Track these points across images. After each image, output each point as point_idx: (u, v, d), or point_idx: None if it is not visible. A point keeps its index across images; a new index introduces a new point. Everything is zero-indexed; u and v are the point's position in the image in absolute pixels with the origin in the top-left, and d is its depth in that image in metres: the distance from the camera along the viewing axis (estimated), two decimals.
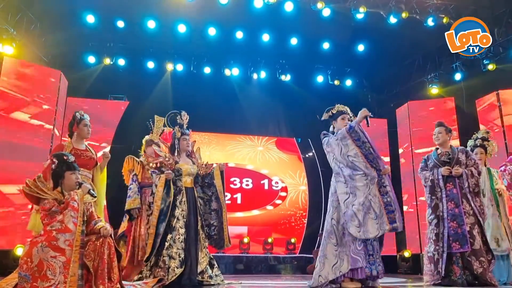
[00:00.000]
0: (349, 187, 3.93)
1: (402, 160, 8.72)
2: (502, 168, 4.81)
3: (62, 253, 2.78)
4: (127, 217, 4.59)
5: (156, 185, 4.23)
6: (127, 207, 4.49)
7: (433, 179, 4.32)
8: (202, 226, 4.30)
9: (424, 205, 7.77)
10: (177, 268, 3.95)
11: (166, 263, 3.95)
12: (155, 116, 5.10)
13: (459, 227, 4.07)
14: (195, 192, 4.39)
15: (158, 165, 4.34)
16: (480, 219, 4.12)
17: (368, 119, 4.13)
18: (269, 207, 9.41)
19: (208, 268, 4.25)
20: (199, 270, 4.12)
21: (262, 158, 9.77)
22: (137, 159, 4.81)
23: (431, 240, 4.20)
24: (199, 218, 4.29)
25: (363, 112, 4.03)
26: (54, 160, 3.21)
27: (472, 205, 4.14)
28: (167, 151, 4.48)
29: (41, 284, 2.69)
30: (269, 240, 8.69)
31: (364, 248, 3.84)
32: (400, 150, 8.81)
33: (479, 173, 4.30)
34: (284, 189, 9.62)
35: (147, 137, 4.99)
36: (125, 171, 4.82)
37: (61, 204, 3.03)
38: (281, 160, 9.88)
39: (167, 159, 4.31)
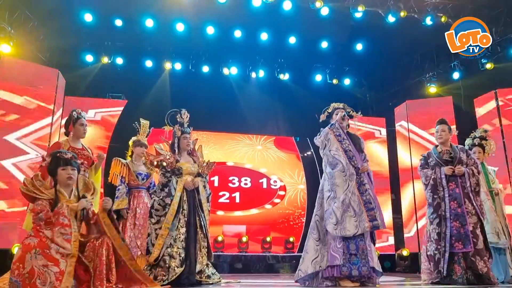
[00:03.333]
0: (330, 184, 4.04)
1: (400, 159, 8.72)
2: None
3: (55, 264, 2.71)
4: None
5: (163, 184, 4.19)
6: (115, 207, 4.50)
7: (435, 178, 4.28)
8: (201, 226, 4.25)
9: (422, 204, 7.81)
10: (177, 267, 3.92)
11: (167, 262, 3.92)
12: (140, 119, 5.12)
13: (462, 227, 4.05)
14: (195, 191, 4.32)
15: (159, 163, 4.30)
16: (482, 218, 4.12)
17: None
18: (268, 206, 9.41)
19: (205, 267, 4.24)
20: (197, 269, 4.11)
21: (260, 157, 9.77)
22: (123, 161, 4.83)
23: (433, 239, 4.18)
24: (197, 218, 4.24)
25: (340, 113, 4.27)
26: (46, 158, 3.19)
27: (474, 204, 4.13)
28: (168, 149, 4.45)
29: None
30: (268, 239, 8.69)
31: (344, 247, 3.85)
32: (398, 149, 8.81)
33: (479, 172, 4.29)
34: (283, 188, 9.62)
35: (134, 138, 5.00)
36: (112, 172, 4.83)
37: (56, 203, 3.02)
38: (279, 159, 9.87)
39: (168, 157, 4.26)
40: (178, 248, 3.99)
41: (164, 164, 4.24)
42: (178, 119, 4.52)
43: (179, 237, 4.05)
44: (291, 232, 9.19)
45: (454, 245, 4.04)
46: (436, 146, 4.49)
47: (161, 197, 4.13)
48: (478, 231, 4.07)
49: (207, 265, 4.27)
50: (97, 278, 2.85)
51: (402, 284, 4.94)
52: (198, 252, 4.17)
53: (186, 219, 4.14)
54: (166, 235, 3.98)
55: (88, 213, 3.17)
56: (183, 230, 4.09)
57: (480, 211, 4.14)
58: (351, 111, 4.41)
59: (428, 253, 4.22)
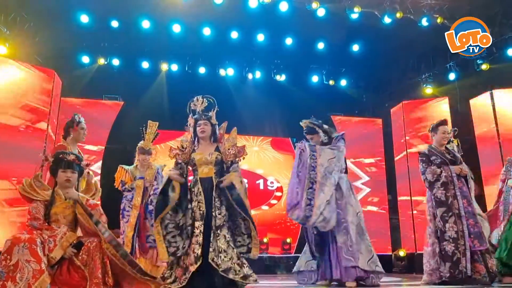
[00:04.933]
0: None
1: (396, 160, 8.74)
2: None
3: (37, 261, 2.69)
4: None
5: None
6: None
7: (447, 176, 4.24)
8: (217, 226, 3.77)
9: (418, 204, 7.83)
10: (191, 265, 3.54)
11: (185, 261, 3.62)
12: (149, 121, 5.05)
13: (475, 224, 4.05)
14: (214, 181, 3.89)
15: (177, 158, 3.99)
16: (482, 217, 4.18)
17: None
18: (265, 207, 9.40)
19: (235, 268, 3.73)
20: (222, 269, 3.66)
21: (257, 158, 9.76)
22: (125, 168, 4.86)
23: (449, 238, 4.06)
24: (212, 211, 3.79)
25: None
26: (49, 158, 3.20)
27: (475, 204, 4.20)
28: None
29: (10, 285, 2.61)
30: (265, 240, 8.67)
31: (322, 250, 4.17)
32: (395, 150, 8.84)
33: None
34: (279, 189, 9.62)
35: (139, 144, 4.96)
36: (117, 178, 4.87)
37: (51, 205, 3.02)
38: (276, 160, 9.87)
39: (182, 149, 3.98)
40: (193, 244, 3.61)
41: (178, 159, 3.95)
42: (192, 107, 4.27)
43: (194, 232, 3.65)
44: (288, 233, 9.19)
45: (474, 243, 3.99)
46: (431, 145, 4.50)
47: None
48: (482, 229, 4.11)
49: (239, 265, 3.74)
50: (93, 283, 2.81)
51: (399, 284, 4.94)
52: (212, 252, 3.66)
53: (201, 212, 3.73)
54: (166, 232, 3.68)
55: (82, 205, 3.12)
56: (198, 223, 3.68)
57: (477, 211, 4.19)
58: (320, 127, 4.60)
59: (443, 252, 4.09)
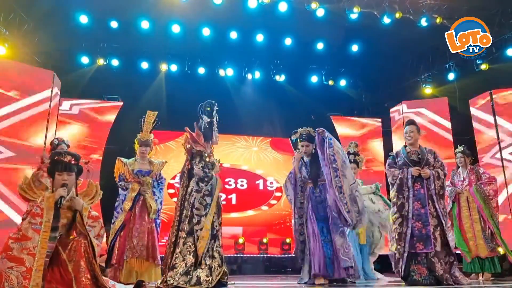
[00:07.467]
0: None
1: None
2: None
3: (20, 263, 2.62)
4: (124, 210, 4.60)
5: (201, 179, 3.87)
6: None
7: (402, 178, 4.29)
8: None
9: None
10: (220, 267, 3.74)
11: (207, 263, 3.67)
12: (148, 111, 5.03)
13: (424, 227, 4.08)
14: None
15: (199, 153, 3.95)
16: (443, 221, 4.10)
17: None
18: (264, 208, 9.39)
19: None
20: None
21: (256, 158, 9.76)
22: (123, 160, 4.81)
23: (394, 240, 4.21)
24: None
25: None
26: (44, 159, 3.13)
27: (437, 206, 4.14)
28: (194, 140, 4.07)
29: None
30: (264, 240, 8.68)
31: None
32: (394, 149, 8.83)
33: (445, 175, 4.30)
34: (279, 189, 9.61)
35: (138, 136, 4.94)
36: (116, 172, 4.82)
37: None
38: (275, 160, 9.86)
39: (208, 149, 4.03)
40: (216, 247, 3.79)
41: (205, 155, 3.95)
42: (214, 110, 4.19)
43: (218, 235, 3.86)
44: (288, 234, 9.16)
45: (416, 246, 4.07)
46: (405, 146, 4.51)
47: (202, 195, 3.82)
48: (437, 234, 4.06)
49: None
50: (82, 283, 2.74)
51: (399, 284, 4.94)
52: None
53: (218, 216, 3.95)
54: (207, 237, 3.71)
55: (71, 201, 3.01)
56: (220, 228, 3.92)
57: (442, 214, 4.14)
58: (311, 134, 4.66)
59: (389, 252, 4.31)
